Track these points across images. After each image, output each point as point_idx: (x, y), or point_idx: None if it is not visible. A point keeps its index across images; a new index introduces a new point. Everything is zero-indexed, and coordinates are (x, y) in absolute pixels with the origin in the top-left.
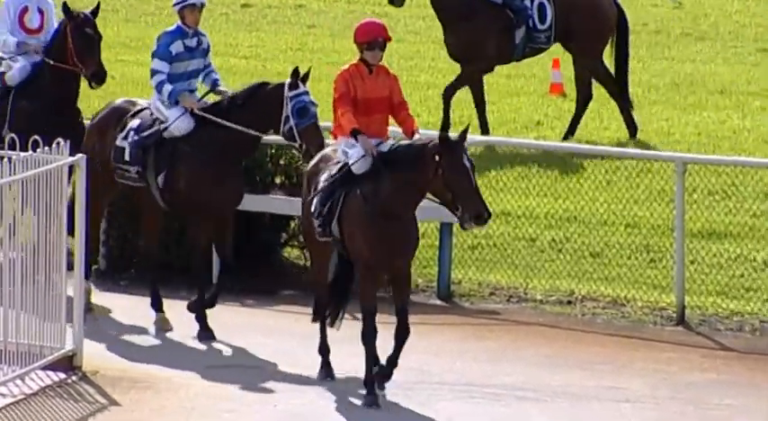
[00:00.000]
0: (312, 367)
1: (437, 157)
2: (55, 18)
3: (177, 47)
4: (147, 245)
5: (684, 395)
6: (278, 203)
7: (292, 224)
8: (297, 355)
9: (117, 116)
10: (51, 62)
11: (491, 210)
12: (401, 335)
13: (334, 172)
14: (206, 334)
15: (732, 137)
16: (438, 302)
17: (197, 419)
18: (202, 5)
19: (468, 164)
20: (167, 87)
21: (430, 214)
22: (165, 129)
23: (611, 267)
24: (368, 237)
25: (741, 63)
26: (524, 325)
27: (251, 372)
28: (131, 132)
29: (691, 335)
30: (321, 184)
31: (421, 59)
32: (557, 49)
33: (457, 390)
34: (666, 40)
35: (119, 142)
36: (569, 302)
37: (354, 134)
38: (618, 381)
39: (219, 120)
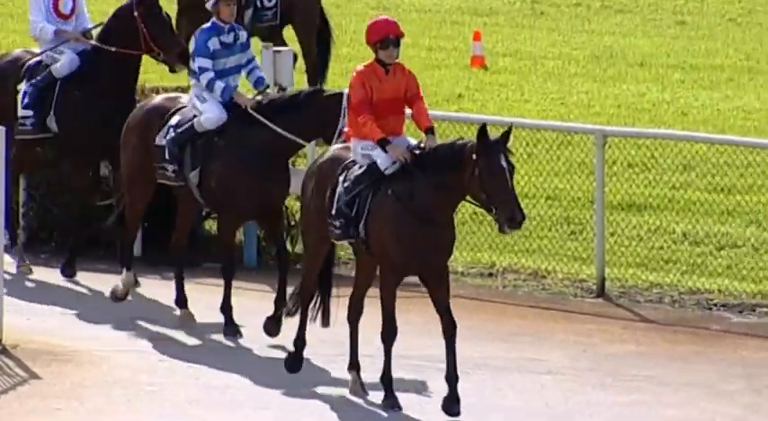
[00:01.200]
0: (233, 339)
1: (474, 157)
2: (84, 2)
3: (214, 43)
4: (176, 242)
5: (604, 366)
6: None
7: None
8: (219, 328)
9: (159, 114)
10: (113, 49)
11: (525, 212)
12: (448, 333)
13: (358, 173)
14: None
15: (651, 109)
16: None
17: (118, 392)
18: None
19: (505, 165)
20: (219, 84)
21: None
22: (198, 123)
23: (531, 239)
24: (399, 239)
25: (660, 35)
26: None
27: (173, 346)
28: (170, 130)
29: (611, 307)
30: (342, 186)
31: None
32: (477, 20)
33: (378, 363)
34: (586, 13)
35: (158, 141)
36: (490, 274)
37: (382, 145)
38: (539, 353)
39: (270, 123)
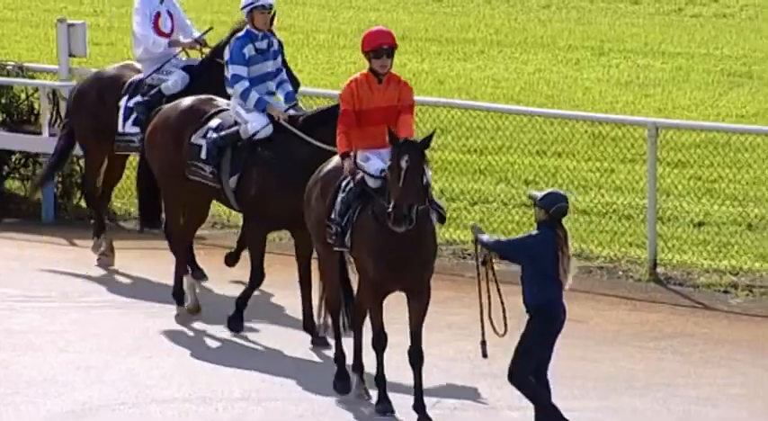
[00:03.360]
0: (30, 287)
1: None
2: (186, 19)
3: (249, 50)
4: (181, 232)
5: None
6: (0, 139)
7: (14, 158)
8: (16, 276)
9: (196, 114)
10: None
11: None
12: (414, 360)
13: (352, 186)
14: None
15: (412, 78)
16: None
17: None
18: (271, 7)
19: (404, 165)
20: (253, 95)
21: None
22: (245, 131)
23: None
24: (376, 256)
25: (419, 12)
26: (228, 249)
27: None
28: (210, 131)
29: None
30: (340, 194)
31: None
32: None
33: (166, 308)
34: None
35: (195, 140)
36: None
37: (342, 156)
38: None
39: (304, 135)
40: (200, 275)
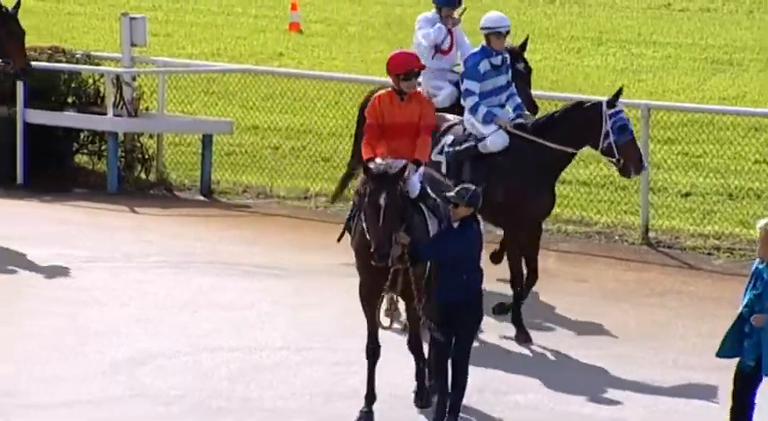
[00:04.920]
0: (96, 250)
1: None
2: (465, 38)
3: (485, 66)
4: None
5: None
6: (70, 119)
7: (81, 135)
8: (84, 240)
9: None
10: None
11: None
12: (413, 347)
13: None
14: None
15: None
16: (201, 198)
17: None
18: (507, 32)
19: (383, 202)
20: (482, 109)
21: (192, 127)
22: (484, 147)
23: (338, 169)
24: (359, 255)
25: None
26: (271, 216)
27: (40, 256)
28: (446, 146)
29: None
30: (354, 196)
31: None
32: None
33: (216, 268)
34: None
35: (434, 157)
36: (306, 198)
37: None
38: (345, 259)
39: (533, 137)
40: None
